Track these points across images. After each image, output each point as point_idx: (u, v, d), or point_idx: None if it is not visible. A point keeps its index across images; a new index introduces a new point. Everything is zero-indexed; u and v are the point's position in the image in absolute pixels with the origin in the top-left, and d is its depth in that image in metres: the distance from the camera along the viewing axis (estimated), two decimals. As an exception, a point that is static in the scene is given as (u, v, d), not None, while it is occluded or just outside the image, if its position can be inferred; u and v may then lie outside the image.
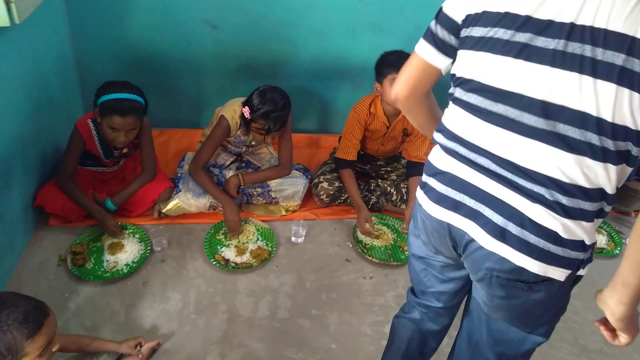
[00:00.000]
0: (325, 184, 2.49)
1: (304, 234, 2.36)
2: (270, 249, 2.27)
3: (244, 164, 2.60)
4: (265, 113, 2.14)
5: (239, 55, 2.77)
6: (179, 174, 2.46)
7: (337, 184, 2.50)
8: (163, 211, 2.31)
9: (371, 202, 2.59)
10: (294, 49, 2.81)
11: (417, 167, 2.46)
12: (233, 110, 2.31)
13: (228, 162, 2.56)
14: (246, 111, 2.19)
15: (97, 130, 2.16)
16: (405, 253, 2.37)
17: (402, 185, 2.58)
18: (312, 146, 3.15)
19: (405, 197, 2.55)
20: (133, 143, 2.28)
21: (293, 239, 2.36)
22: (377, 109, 2.40)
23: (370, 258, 2.28)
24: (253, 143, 2.49)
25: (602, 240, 2.66)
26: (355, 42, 2.84)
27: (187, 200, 2.30)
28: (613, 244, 2.67)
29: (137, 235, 2.23)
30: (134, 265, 2.08)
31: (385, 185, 2.61)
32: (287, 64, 2.86)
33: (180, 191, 2.31)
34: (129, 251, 2.14)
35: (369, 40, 2.84)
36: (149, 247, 2.17)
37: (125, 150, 2.28)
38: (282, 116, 2.19)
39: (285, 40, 2.76)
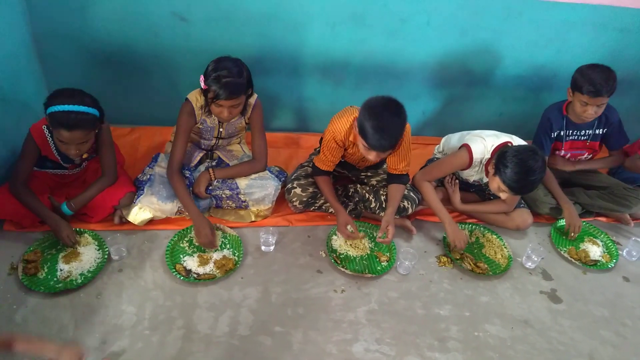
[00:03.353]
0: (298, 190, 2.41)
1: (274, 242, 2.29)
2: (236, 258, 2.20)
3: (214, 162, 2.53)
4: (217, 77, 2.05)
5: (211, 50, 2.66)
6: (149, 175, 2.38)
7: (311, 189, 2.43)
8: (128, 218, 2.24)
9: (349, 209, 2.51)
10: (270, 44, 2.73)
11: (398, 177, 2.39)
12: (197, 92, 2.26)
13: (197, 159, 2.49)
14: (202, 80, 2.12)
15: (52, 136, 2.09)
16: (382, 264, 2.29)
17: (381, 192, 2.50)
18: (291, 146, 3.08)
19: (383, 205, 2.46)
20: (92, 147, 2.21)
21: (263, 247, 2.29)
22: (358, 138, 2.24)
23: (343, 269, 2.21)
24: (221, 130, 2.42)
25: (596, 252, 2.57)
26: (336, 37, 2.75)
27: (151, 203, 2.23)
28: (609, 255, 2.57)
29: (95, 243, 2.17)
30: (89, 275, 2.03)
31: (364, 192, 2.53)
32: (263, 59, 2.77)
33: (143, 194, 2.24)
34: (84, 260, 2.09)
35: (350, 35, 2.75)
36: (106, 256, 2.11)
37: (84, 155, 2.22)
38: (236, 84, 2.08)
39: (260, 34, 2.68)
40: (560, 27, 2.93)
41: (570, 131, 2.73)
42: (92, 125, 1.98)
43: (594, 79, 2.45)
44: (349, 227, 2.30)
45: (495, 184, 2.21)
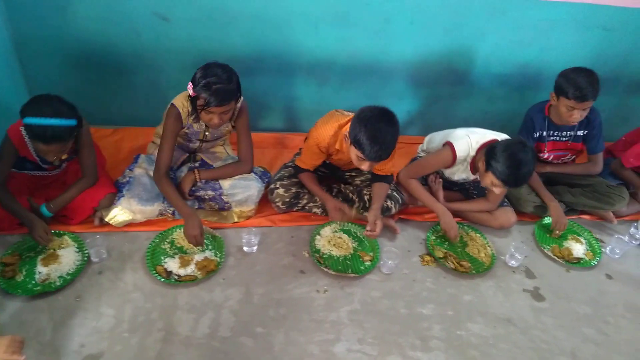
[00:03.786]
0: (280, 190, 2.41)
1: (256, 242, 2.28)
2: (218, 259, 2.19)
3: (197, 164, 2.51)
4: (206, 84, 2.01)
5: (194, 50, 2.68)
6: (128, 178, 2.36)
7: (293, 190, 2.42)
8: (106, 220, 2.22)
9: (332, 209, 2.51)
10: (253, 44, 2.72)
11: (382, 177, 2.40)
12: (183, 97, 2.22)
13: (180, 161, 2.48)
14: (190, 87, 2.08)
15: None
16: (365, 264, 2.29)
17: (364, 192, 2.50)
18: (277, 146, 3.07)
19: (367, 205, 2.46)
20: (72, 148, 2.19)
21: (245, 248, 2.28)
22: (344, 146, 2.25)
23: (326, 269, 2.21)
24: (207, 134, 2.40)
25: (579, 250, 2.58)
26: (319, 36, 2.75)
27: (130, 206, 2.22)
28: (592, 253, 2.59)
29: (75, 245, 2.15)
30: (68, 277, 2.01)
31: (348, 191, 2.53)
32: (246, 58, 2.77)
33: (123, 197, 2.22)
34: (63, 262, 2.07)
35: (334, 34, 2.76)
36: (86, 258, 2.09)
37: (64, 157, 2.20)
38: (226, 90, 2.05)
39: (244, 34, 2.67)
40: (544, 26, 2.95)
41: (552, 132, 2.73)
42: (69, 135, 1.95)
43: (579, 83, 2.43)
44: (340, 211, 2.29)
45: (488, 179, 2.22)
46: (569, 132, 2.72)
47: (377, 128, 1.96)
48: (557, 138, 2.75)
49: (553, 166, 2.86)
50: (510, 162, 2.10)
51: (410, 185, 2.48)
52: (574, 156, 2.88)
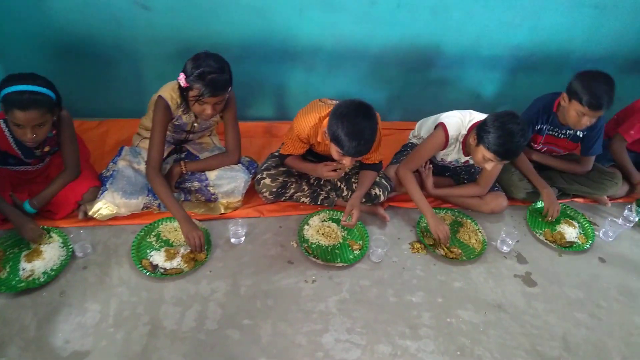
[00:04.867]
0: (267, 180, 2.39)
1: (244, 234, 2.27)
2: (205, 251, 2.18)
3: (183, 155, 2.49)
4: (200, 74, 1.98)
5: (177, 39, 2.65)
6: (111, 171, 2.34)
7: (280, 179, 2.41)
8: (90, 214, 2.21)
9: (321, 197, 2.50)
10: (237, 30, 2.68)
11: (370, 165, 2.40)
12: (171, 88, 2.18)
13: (166, 153, 2.45)
14: (182, 78, 2.04)
15: (10, 130, 2.05)
16: (354, 252, 2.28)
17: (352, 180, 2.48)
18: (265, 135, 3.05)
19: (356, 192, 2.45)
20: (55, 140, 2.17)
21: (232, 240, 2.27)
22: (331, 145, 2.16)
23: (314, 259, 2.20)
24: (195, 125, 2.38)
25: (572, 234, 2.58)
26: (304, 21, 2.71)
27: (114, 200, 2.20)
28: (584, 237, 2.58)
29: (59, 240, 2.13)
30: (52, 273, 2.00)
31: (336, 180, 2.51)
32: (230, 46, 2.73)
33: (106, 190, 2.21)
34: (47, 258, 2.05)
35: (319, 19, 2.72)
36: (70, 253, 2.08)
37: (47, 149, 2.18)
38: (220, 80, 2.02)
39: (226, 21, 2.63)
40: (534, 5, 2.91)
41: (553, 127, 2.67)
42: (47, 105, 1.92)
43: (596, 91, 2.32)
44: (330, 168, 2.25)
45: (480, 154, 2.20)
46: (569, 131, 2.65)
47: (354, 123, 1.94)
48: (556, 134, 2.69)
49: (540, 155, 2.81)
50: (501, 132, 2.07)
51: (405, 180, 2.45)
52: (566, 153, 2.84)
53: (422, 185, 2.55)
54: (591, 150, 2.69)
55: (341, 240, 2.35)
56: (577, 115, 2.42)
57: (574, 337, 2.04)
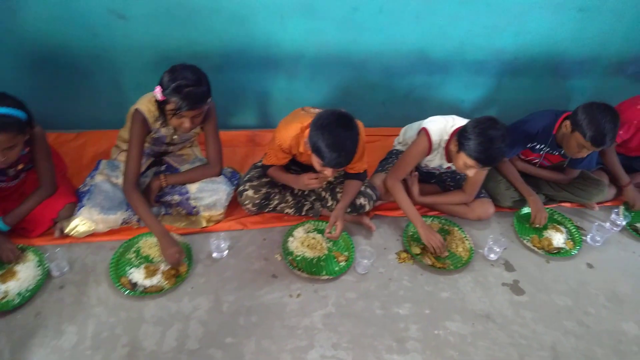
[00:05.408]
0: (250, 192, 2.35)
1: (226, 247, 2.23)
2: (186, 267, 2.13)
3: (163, 168, 2.44)
4: (176, 87, 1.94)
5: (154, 48, 2.60)
6: (89, 186, 2.28)
7: (264, 190, 2.37)
8: (66, 231, 2.15)
9: (305, 208, 2.47)
10: (217, 38, 2.64)
11: (355, 175, 2.37)
12: (148, 101, 2.13)
13: (145, 166, 2.40)
14: (158, 91, 2.00)
15: None
16: (340, 264, 2.25)
17: (337, 190, 2.45)
18: (248, 144, 3.01)
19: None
20: (28, 157, 2.11)
21: (214, 254, 2.23)
22: (312, 157, 2.12)
23: (299, 273, 2.16)
24: (175, 137, 2.33)
25: (559, 239, 2.57)
26: (285, 28, 2.67)
27: (91, 216, 2.15)
28: (572, 242, 2.57)
29: (34, 259, 2.08)
30: (28, 294, 1.95)
31: (320, 189, 2.48)
32: (211, 55, 2.69)
33: (83, 206, 2.15)
34: (22, 278, 2.00)
35: (301, 25, 2.69)
36: (46, 272, 2.03)
37: (20, 167, 2.12)
38: (198, 93, 1.98)
39: (206, 29, 2.59)
40: (518, 9, 2.90)
41: (550, 149, 2.63)
42: (16, 128, 1.85)
43: (602, 129, 2.26)
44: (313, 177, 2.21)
45: (461, 160, 2.17)
46: (563, 151, 2.59)
47: (335, 135, 1.91)
48: (551, 152, 2.65)
49: (524, 165, 2.78)
50: (482, 138, 2.05)
51: (394, 190, 2.42)
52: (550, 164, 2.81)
53: (408, 193, 2.52)
54: (580, 165, 2.69)
55: (326, 252, 2.32)
56: (577, 147, 2.39)
57: (563, 347, 2.02)
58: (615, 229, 2.68)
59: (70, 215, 2.17)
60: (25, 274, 2.02)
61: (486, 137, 2.05)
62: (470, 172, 2.21)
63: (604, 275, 2.42)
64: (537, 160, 2.75)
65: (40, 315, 1.89)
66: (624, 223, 2.68)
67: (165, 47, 2.62)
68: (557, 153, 2.64)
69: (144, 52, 2.62)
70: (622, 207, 2.81)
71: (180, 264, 2.12)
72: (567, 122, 2.42)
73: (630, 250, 2.62)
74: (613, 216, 2.71)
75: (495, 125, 2.07)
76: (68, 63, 2.59)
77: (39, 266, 2.06)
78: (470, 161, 2.12)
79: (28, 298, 1.93)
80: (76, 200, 2.22)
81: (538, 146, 2.63)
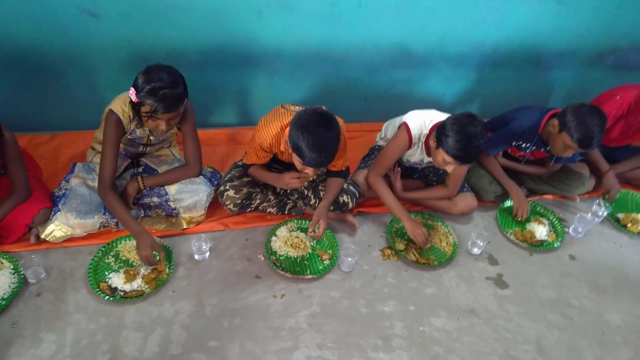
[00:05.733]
0: (231, 192, 2.32)
1: (207, 249, 2.20)
2: (167, 270, 2.10)
3: (141, 169, 2.40)
4: (151, 90, 1.89)
5: (128, 47, 2.55)
6: (64, 190, 2.23)
7: (245, 190, 2.34)
8: (42, 237, 2.10)
9: (288, 207, 2.45)
10: (193, 36, 2.60)
11: (337, 173, 2.35)
12: (122, 101, 2.09)
13: (122, 168, 2.36)
14: (132, 93, 1.95)
15: None
16: (324, 263, 2.24)
17: (320, 188, 2.43)
18: (228, 142, 2.98)
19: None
20: (0, 163, 2.05)
21: (196, 256, 2.20)
22: (293, 156, 2.09)
23: (283, 273, 2.14)
24: (151, 138, 2.29)
25: (542, 232, 2.59)
26: (263, 24, 2.64)
27: (67, 221, 2.10)
28: (554, 234, 2.59)
29: (9, 266, 2.03)
30: (3, 303, 1.90)
31: (303, 188, 2.45)
32: (187, 52, 2.65)
33: (59, 211, 2.10)
34: (-3, 287, 1.94)
35: (279, 21, 2.65)
36: (22, 279, 1.98)
37: None
38: (173, 95, 1.93)
39: (181, 26, 2.54)
40: (498, 2, 2.90)
41: (536, 147, 2.64)
42: None
43: (590, 132, 2.26)
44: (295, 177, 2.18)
45: (440, 157, 2.17)
46: (548, 147, 2.60)
47: (315, 135, 1.89)
48: (536, 149, 2.66)
49: (505, 161, 2.78)
50: (459, 135, 2.04)
51: (376, 186, 2.41)
52: (532, 158, 2.82)
53: (391, 189, 2.51)
54: (562, 161, 2.71)
55: (310, 251, 2.31)
56: (563, 147, 2.40)
57: (547, 340, 2.04)
58: (596, 219, 2.71)
59: (45, 221, 2.12)
60: (1, 282, 1.96)
61: (464, 135, 2.04)
62: (449, 168, 2.21)
63: (586, 266, 2.45)
64: (523, 155, 2.76)
65: (17, 325, 1.84)
66: (605, 214, 2.71)
67: (140, 46, 2.56)
68: (543, 149, 2.65)
69: (119, 51, 2.56)
70: (601, 198, 2.85)
71: (159, 263, 2.09)
72: (555, 122, 2.42)
73: (612, 241, 2.65)
74: (594, 207, 2.74)
75: (473, 122, 2.06)
76: (39, 63, 2.52)
77: (14, 274, 2.01)
78: (448, 158, 2.12)
79: (4, 307, 1.88)
80: (51, 205, 2.16)
81: (524, 145, 2.64)
